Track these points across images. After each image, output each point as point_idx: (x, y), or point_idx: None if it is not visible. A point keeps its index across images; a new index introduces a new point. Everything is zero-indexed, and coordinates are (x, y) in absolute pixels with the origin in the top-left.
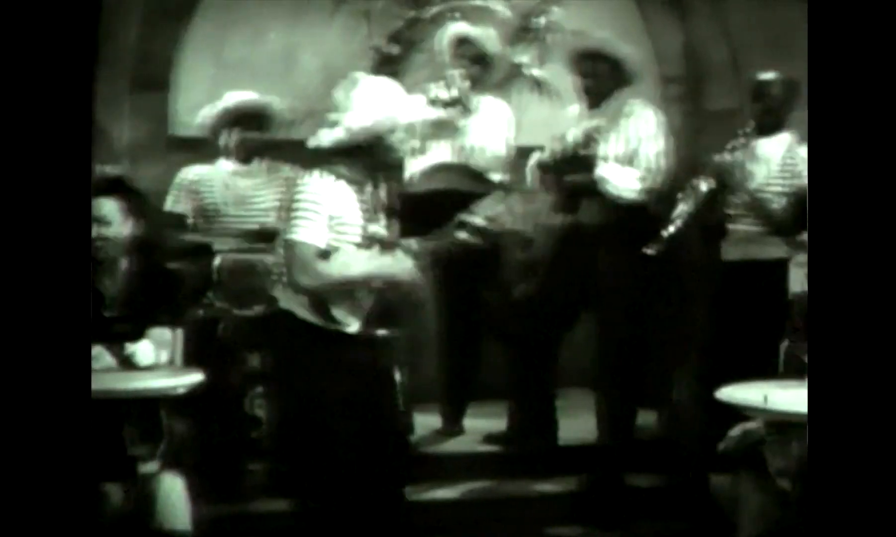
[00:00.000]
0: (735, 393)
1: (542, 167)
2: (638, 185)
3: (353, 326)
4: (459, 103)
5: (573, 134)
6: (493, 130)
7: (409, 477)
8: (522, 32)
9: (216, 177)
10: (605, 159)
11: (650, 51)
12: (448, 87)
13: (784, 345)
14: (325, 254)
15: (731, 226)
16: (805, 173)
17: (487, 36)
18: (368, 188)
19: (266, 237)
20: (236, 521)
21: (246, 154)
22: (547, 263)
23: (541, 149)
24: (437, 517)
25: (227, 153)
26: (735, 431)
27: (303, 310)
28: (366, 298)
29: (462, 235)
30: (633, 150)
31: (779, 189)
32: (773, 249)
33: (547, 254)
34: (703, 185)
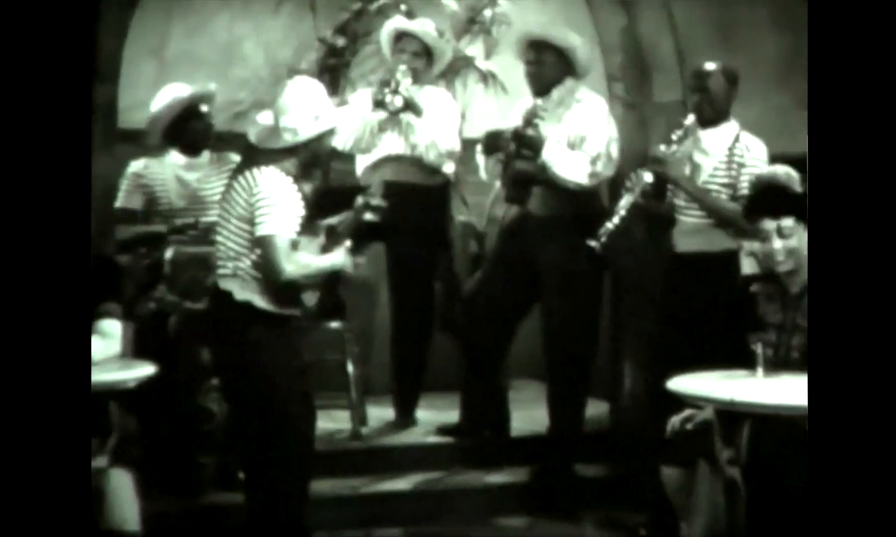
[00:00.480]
0: (685, 383)
1: (487, 147)
2: (587, 169)
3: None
4: (409, 108)
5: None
6: (441, 123)
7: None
8: (469, 25)
9: (166, 170)
10: (553, 144)
11: (596, 42)
12: (394, 92)
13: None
14: (295, 245)
15: (679, 217)
16: (751, 162)
17: (426, 29)
18: (314, 180)
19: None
20: (187, 515)
21: (198, 146)
22: (497, 255)
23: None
24: (389, 508)
25: (179, 146)
26: (682, 415)
27: (260, 300)
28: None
29: (367, 216)
30: (580, 137)
31: (725, 180)
32: (722, 240)
33: (497, 246)
34: (647, 176)
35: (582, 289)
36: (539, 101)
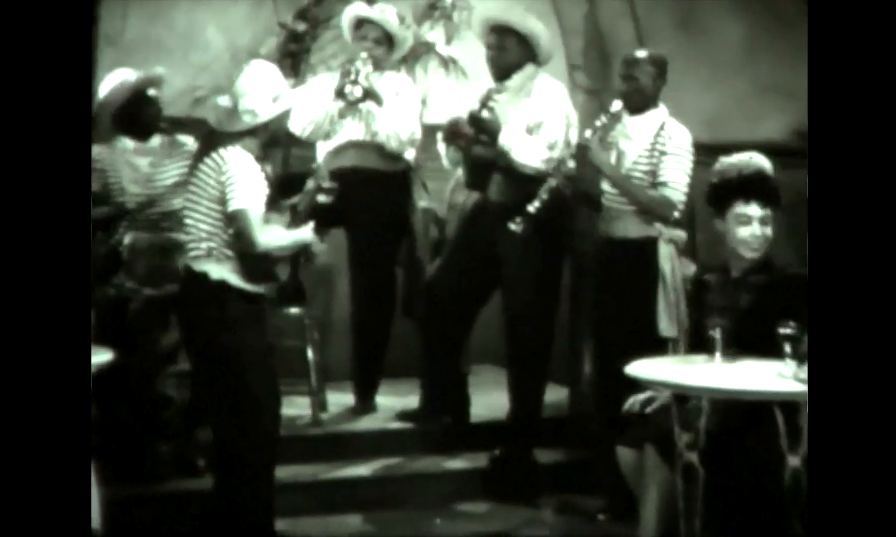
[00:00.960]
0: (643, 368)
1: (447, 137)
2: (543, 155)
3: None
4: (369, 97)
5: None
6: (401, 110)
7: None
8: (430, 10)
9: (117, 156)
10: (511, 129)
11: (556, 28)
12: (354, 82)
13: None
14: (266, 220)
15: (605, 203)
16: (672, 150)
17: (386, 17)
18: (274, 162)
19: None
20: (145, 502)
21: (147, 130)
22: (457, 241)
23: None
24: (349, 494)
25: (128, 132)
26: (643, 396)
27: (235, 278)
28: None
29: (321, 197)
30: (538, 122)
31: (646, 167)
32: (642, 227)
33: (458, 232)
34: (569, 161)
35: (541, 274)
36: (495, 85)
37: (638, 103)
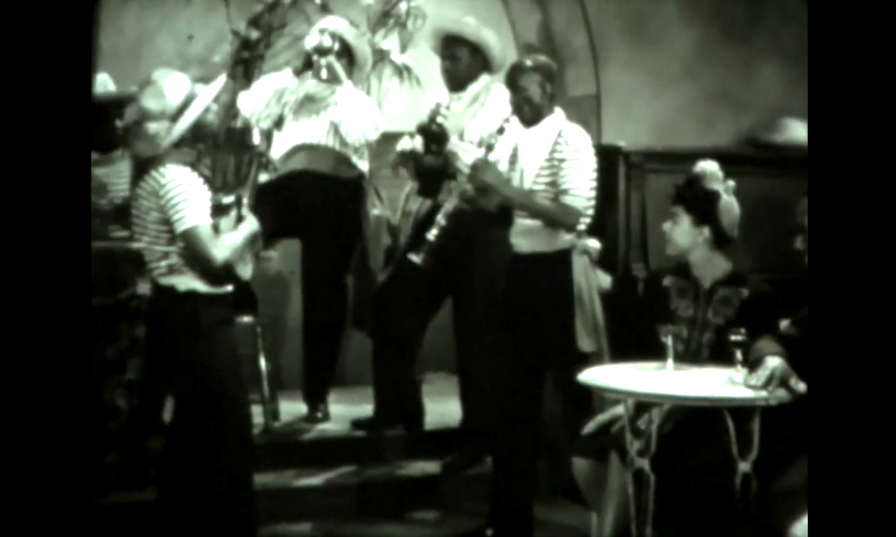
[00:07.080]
0: (597, 375)
1: (403, 155)
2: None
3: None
4: (332, 53)
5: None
6: (360, 112)
7: None
8: (384, 18)
9: None
10: (463, 139)
11: (509, 36)
12: (322, 32)
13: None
14: (216, 228)
15: (516, 218)
16: (570, 156)
17: (362, 43)
18: (206, 163)
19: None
20: (91, 515)
21: (108, 143)
22: (410, 248)
23: (410, 134)
24: (300, 503)
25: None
26: (590, 426)
27: (202, 285)
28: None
29: (263, 175)
30: (492, 134)
31: (548, 179)
32: (555, 240)
33: (410, 239)
34: (464, 184)
35: (492, 282)
36: (444, 100)
37: (529, 114)
